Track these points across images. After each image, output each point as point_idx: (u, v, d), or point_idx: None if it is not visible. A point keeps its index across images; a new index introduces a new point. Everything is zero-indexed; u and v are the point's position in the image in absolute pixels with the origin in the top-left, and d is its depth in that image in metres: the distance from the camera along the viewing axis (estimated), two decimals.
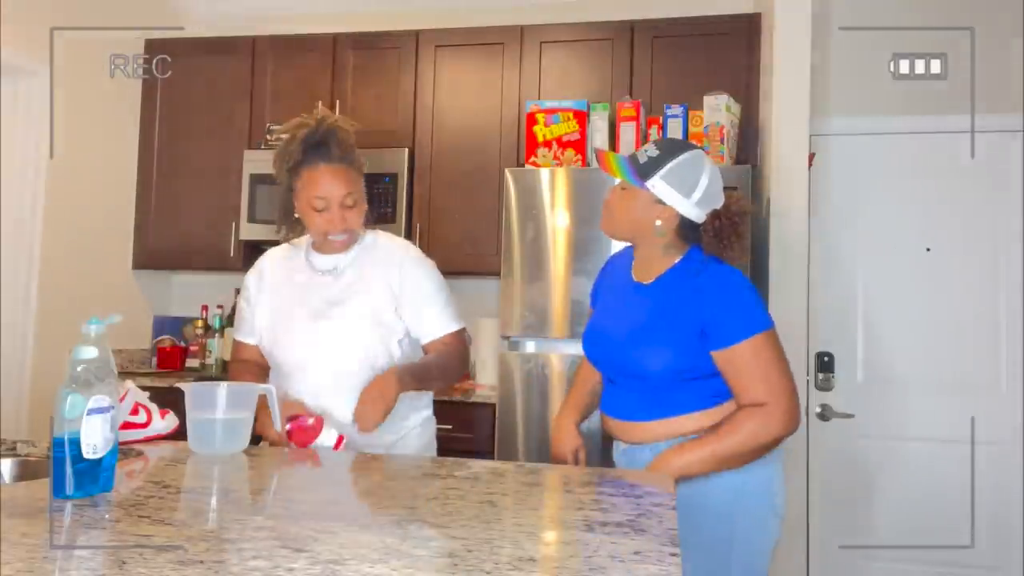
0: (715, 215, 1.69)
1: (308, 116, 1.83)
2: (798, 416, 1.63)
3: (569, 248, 2.97)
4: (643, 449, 1.70)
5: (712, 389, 1.64)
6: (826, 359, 3.19)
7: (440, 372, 1.87)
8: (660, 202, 1.66)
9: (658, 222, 1.67)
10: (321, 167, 1.80)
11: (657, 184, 1.65)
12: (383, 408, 1.73)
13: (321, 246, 1.90)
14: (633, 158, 1.70)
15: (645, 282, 1.74)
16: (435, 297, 1.89)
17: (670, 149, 1.68)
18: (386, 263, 1.88)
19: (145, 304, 3.94)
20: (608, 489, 1.39)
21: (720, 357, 1.62)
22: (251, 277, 1.98)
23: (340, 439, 1.73)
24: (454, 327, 1.91)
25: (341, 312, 1.83)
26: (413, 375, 1.80)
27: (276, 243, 3.68)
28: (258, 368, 1.95)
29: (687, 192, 1.65)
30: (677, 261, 1.72)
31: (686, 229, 1.69)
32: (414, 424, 1.93)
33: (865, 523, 3.15)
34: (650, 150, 1.69)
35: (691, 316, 1.63)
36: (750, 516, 1.63)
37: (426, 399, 1.98)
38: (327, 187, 1.79)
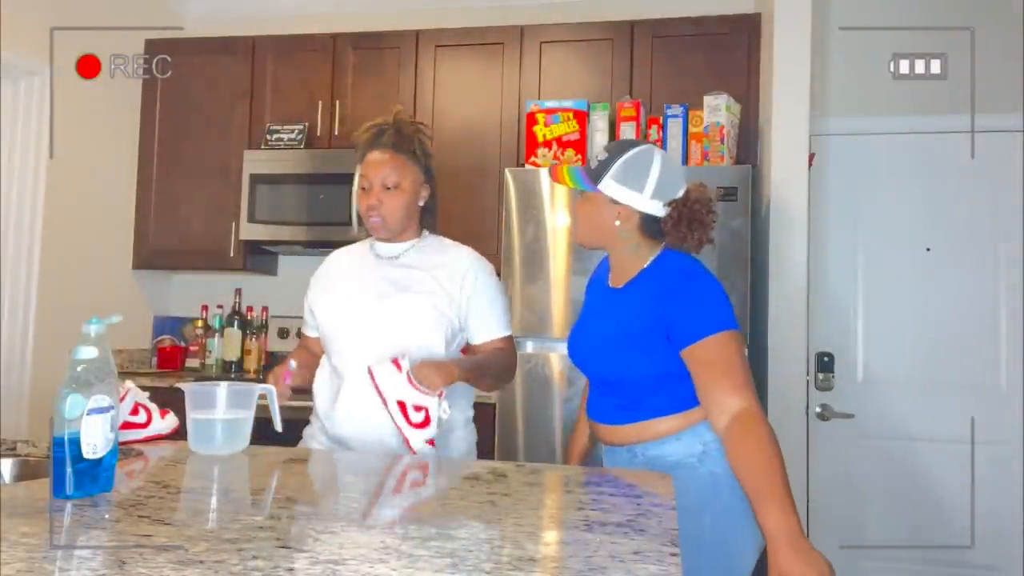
0: (674, 206, 1.67)
1: (387, 116, 1.94)
2: (756, 404, 1.57)
3: (569, 248, 2.97)
4: (620, 451, 1.70)
5: (687, 392, 1.63)
6: (826, 359, 3.19)
7: (493, 371, 1.92)
8: (615, 202, 1.67)
9: (617, 222, 1.67)
10: (373, 152, 1.91)
11: (608, 184, 1.65)
12: (444, 375, 1.73)
13: (374, 230, 1.95)
14: (587, 166, 1.72)
15: (617, 286, 1.75)
16: (497, 301, 1.95)
17: (619, 149, 1.69)
18: (455, 260, 1.93)
19: (145, 304, 3.94)
20: (608, 489, 1.39)
21: (687, 355, 1.60)
22: (314, 277, 2.05)
23: (395, 362, 1.72)
24: (508, 332, 1.98)
25: (406, 294, 1.87)
26: (468, 366, 1.83)
27: (276, 243, 3.72)
28: (309, 353, 2.04)
29: (639, 187, 1.64)
30: (648, 263, 1.70)
31: (648, 225, 1.68)
32: (458, 424, 1.93)
33: (865, 523, 3.15)
34: (601, 155, 1.70)
35: (657, 319, 1.62)
36: (723, 516, 1.60)
37: (468, 401, 2.00)
38: (370, 167, 1.89)
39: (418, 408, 1.70)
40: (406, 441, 1.71)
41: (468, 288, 1.90)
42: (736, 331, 1.61)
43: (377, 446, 1.79)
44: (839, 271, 3.24)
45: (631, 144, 1.71)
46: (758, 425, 1.54)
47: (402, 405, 1.70)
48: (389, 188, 1.88)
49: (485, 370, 1.90)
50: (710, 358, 1.58)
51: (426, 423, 1.70)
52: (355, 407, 1.82)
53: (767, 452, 1.51)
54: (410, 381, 1.69)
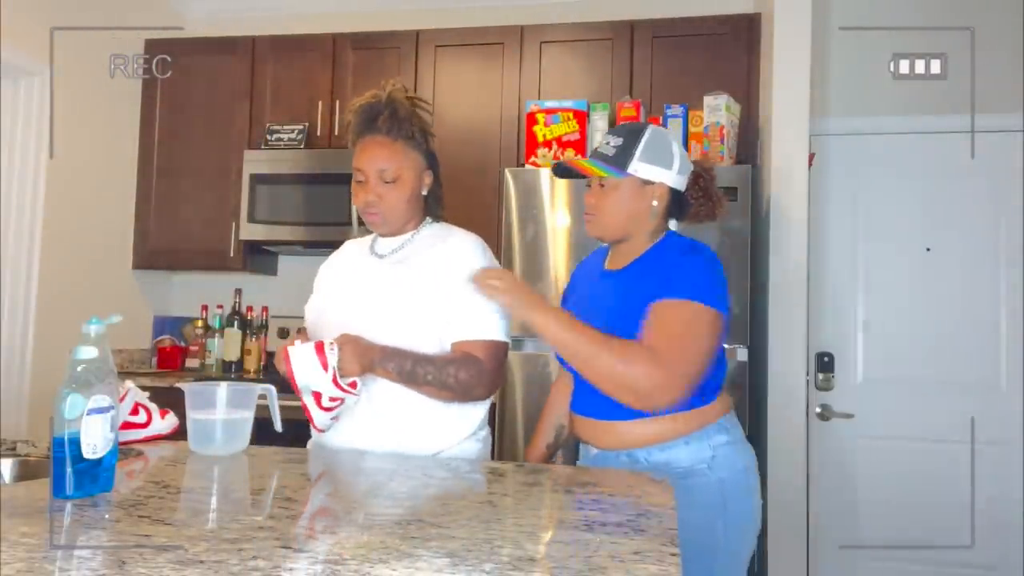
0: (697, 176, 1.68)
1: (379, 90, 1.73)
2: (679, 399, 1.51)
3: (569, 248, 2.97)
4: (619, 456, 1.61)
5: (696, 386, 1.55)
6: (826, 359, 3.19)
7: (438, 378, 1.59)
8: (648, 183, 1.64)
9: (654, 203, 1.65)
10: (367, 139, 1.70)
11: (639, 167, 1.63)
12: (362, 364, 1.55)
13: (374, 227, 1.77)
14: (600, 155, 1.66)
15: (616, 268, 1.70)
16: (484, 300, 1.64)
17: (630, 132, 1.66)
18: (451, 248, 1.71)
19: (145, 304, 3.94)
20: (608, 489, 1.39)
21: (652, 309, 1.53)
22: (322, 267, 1.89)
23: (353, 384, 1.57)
24: (490, 336, 1.66)
25: (394, 294, 1.68)
26: (396, 366, 1.59)
27: (276, 243, 3.72)
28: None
29: (667, 164, 1.64)
30: (651, 246, 1.66)
31: (674, 202, 1.68)
32: (459, 439, 1.71)
33: (865, 523, 3.15)
34: (612, 140, 1.66)
35: (656, 292, 1.55)
36: (733, 523, 1.57)
37: (473, 420, 1.73)
38: (365, 158, 1.69)
39: (333, 399, 1.58)
40: (310, 418, 1.61)
41: (455, 276, 1.64)
42: (717, 312, 1.54)
43: None
44: (839, 271, 3.24)
45: (639, 126, 1.69)
46: (656, 384, 1.48)
47: (317, 396, 1.58)
48: (388, 181, 1.69)
49: (421, 376, 1.58)
50: (671, 318, 1.51)
51: (337, 406, 1.60)
52: (343, 420, 1.65)
53: (620, 376, 1.49)
54: (335, 381, 1.53)
